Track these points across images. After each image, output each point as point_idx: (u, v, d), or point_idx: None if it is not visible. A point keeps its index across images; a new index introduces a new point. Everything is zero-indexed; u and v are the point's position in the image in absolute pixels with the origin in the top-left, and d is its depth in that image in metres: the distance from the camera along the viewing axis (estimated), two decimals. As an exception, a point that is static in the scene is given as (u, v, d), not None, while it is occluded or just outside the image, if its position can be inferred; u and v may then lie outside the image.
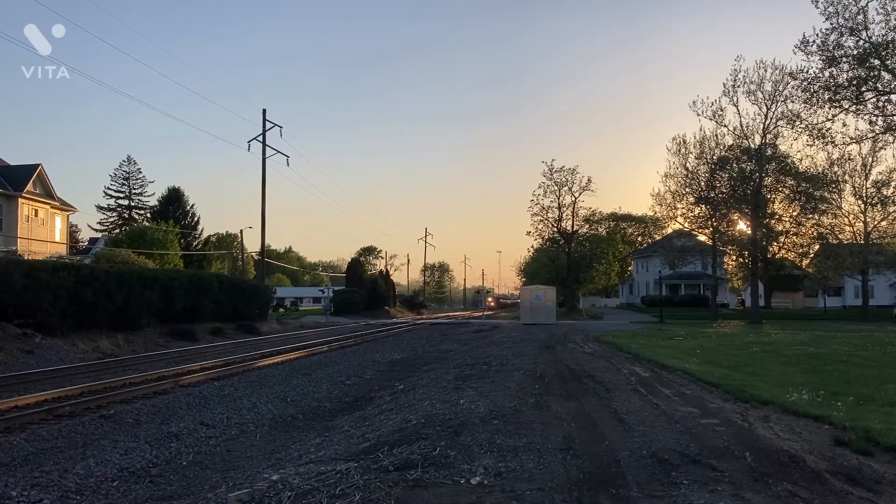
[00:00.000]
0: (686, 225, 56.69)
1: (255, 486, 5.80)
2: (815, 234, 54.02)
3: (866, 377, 12.22)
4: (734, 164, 49.85)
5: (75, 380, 15.63)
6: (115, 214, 74.39)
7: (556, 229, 66.86)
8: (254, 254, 67.12)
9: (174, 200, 66.03)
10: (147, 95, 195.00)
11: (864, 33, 30.89)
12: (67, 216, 49.49)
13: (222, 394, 14.14)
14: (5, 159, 45.29)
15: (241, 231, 64.99)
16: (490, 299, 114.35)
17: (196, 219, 68.28)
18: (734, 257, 58.92)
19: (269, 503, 5.17)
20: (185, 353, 23.53)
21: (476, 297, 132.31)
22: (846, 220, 56.83)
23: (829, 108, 32.61)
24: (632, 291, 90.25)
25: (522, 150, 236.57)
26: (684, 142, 52.72)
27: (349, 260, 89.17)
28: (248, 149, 49.31)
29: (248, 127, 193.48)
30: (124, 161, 74.69)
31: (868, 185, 55.40)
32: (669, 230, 66.31)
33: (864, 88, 31.21)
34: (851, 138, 34.37)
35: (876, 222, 56.23)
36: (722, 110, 48.36)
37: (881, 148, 49.92)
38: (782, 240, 55.58)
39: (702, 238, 57.61)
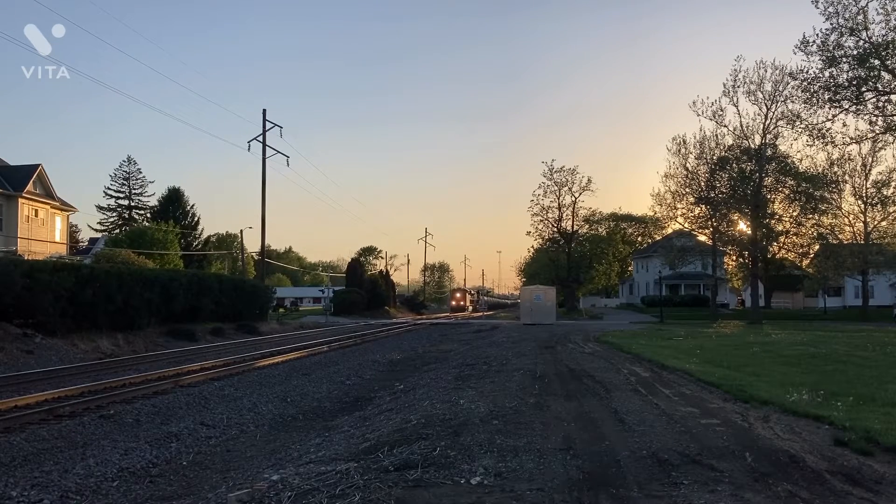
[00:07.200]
0: (686, 225, 56.78)
1: (255, 486, 5.81)
2: (815, 234, 54.05)
3: (866, 377, 12.21)
4: (734, 165, 49.81)
5: (75, 380, 15.62)
6: (115, 214, 74.53)
7: (556, 229, 66.86)
8: (254, 254, 67.20)
9: (174, 200, 66.10)
10: (147, 95, 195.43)
11: (864, 33, 30.95)
12: (67, 216, 49.50)
13: (222, 394, 14.14)
14: (5, 159, 45.28)
15: (241, 231, 65.16)
16: (458, 294, 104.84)
17: (196, 219, 68.41)
18: (734, 257, 58.96)
19: (269, 503, 5.17)
20: (185, 353, 23.53)
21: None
22: (846, 220, 56.97)
23: (829, 109, 32.71)
24: (632, 291, 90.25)
25: (522, 150, 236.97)
26: (684, 142, 52.87)
27: (349, 260, 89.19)
28: (248, 149, 49.39)
29: (248, 127, 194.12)
30: (124, 161, 74.95)
31: (868, 185, 55.57)
32: (669, 230, 66.34)
33: (864, 88, 31.28)
34: (851, 138, 34.49)
35: (876, 222, 56.28)
36: (722, 110, 48.36)
37: (881, 148, 50.11)
38: (782, 240, 55.58)
39: (702, 238, 57.65)
